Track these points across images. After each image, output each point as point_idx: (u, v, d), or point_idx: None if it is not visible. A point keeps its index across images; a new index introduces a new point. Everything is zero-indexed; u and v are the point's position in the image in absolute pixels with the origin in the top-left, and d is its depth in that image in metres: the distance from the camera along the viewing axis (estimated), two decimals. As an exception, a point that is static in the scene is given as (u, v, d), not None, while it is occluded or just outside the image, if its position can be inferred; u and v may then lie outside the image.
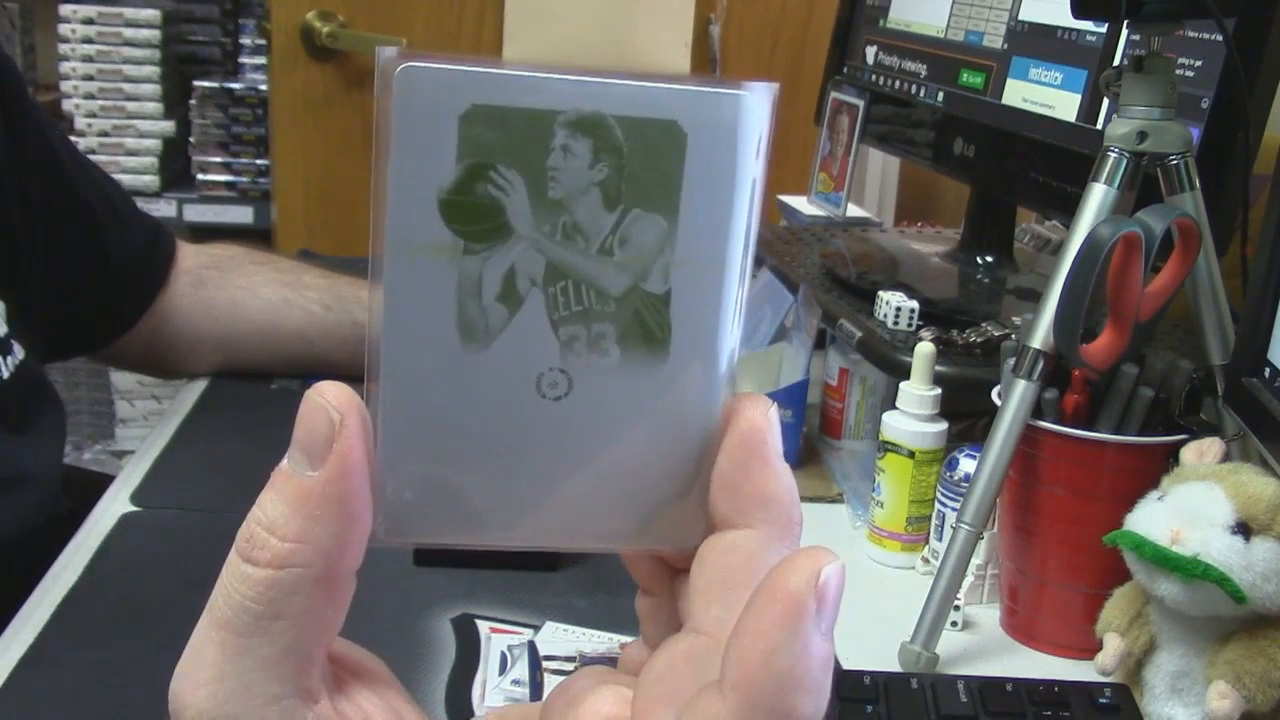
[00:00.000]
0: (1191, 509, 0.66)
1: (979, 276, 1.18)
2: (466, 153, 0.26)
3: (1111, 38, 0.95)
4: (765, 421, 0.29)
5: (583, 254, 0.28)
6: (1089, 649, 0.73)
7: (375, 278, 0.27)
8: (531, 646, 0.72)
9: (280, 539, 0.27)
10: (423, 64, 0.26)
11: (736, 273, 0.28)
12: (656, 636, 0.31)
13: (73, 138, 2.18)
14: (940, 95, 1.17)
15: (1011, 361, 0.76)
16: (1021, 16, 1.06)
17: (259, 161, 2.30)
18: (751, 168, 0.28)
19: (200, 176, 2.32)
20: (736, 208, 0.28)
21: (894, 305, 0.99)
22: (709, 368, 0.29)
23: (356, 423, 0.27)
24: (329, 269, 1.18)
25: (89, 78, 2.29)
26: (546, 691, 0.67)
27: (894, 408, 0.88)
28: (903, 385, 0.87)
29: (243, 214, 2.31)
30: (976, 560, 0.81)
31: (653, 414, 0.29)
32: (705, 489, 0.29)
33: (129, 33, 2.29)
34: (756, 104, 0.27)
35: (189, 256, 1.13)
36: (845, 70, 1.38)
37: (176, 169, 2.37)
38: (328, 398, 0.27)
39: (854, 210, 1.45)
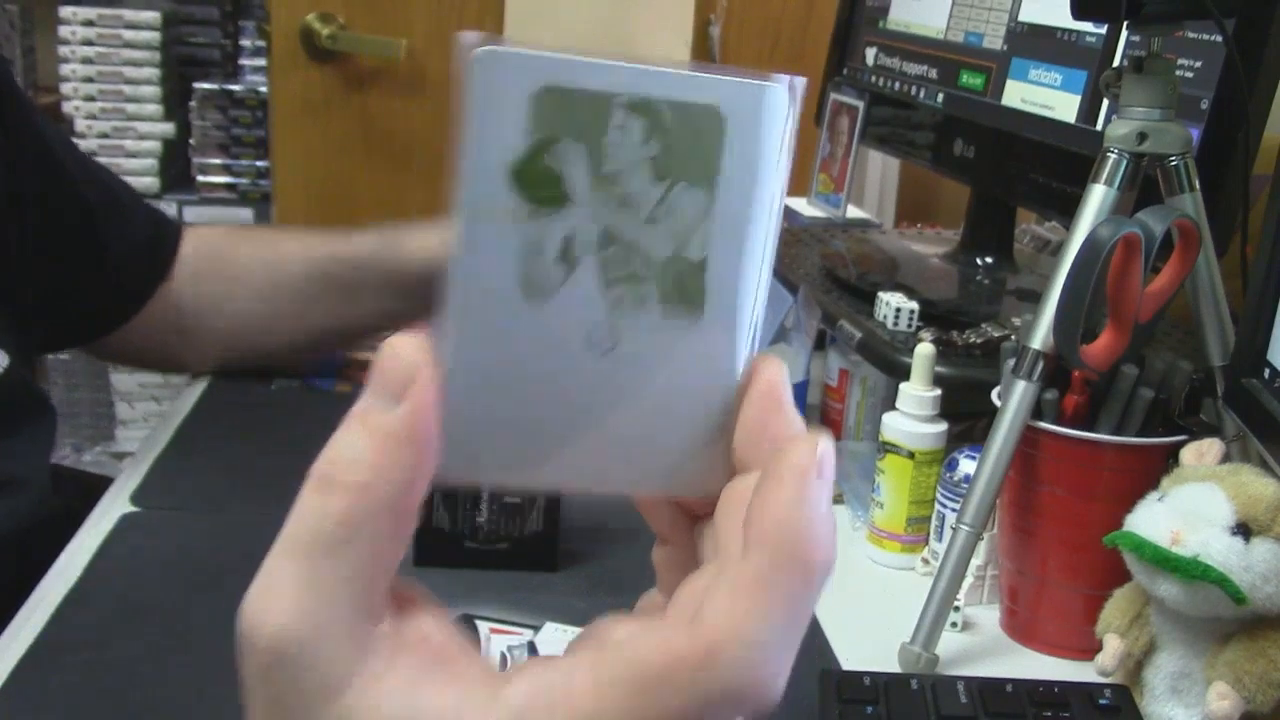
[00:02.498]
0: (1191, 510, 0.66)
1: (979, 277, 1.18)
2: (536, 128, 0.30)
3: (1111, 39, 0.95)
4: (781, 378, 0.32)
5: (632, 222, 0.31)
6: (1089, 650, 0.73)
7: (448, 238, 0.30)
8: (531, 647, 0.72)
9: (358, 472, 0.30)
10: (500, 48, 0.29)
11: (765, 244, 0.32)
12: (674, 585, 0.33)
13: (73, 139, 2.18)
14: (940, 96, 1.17)
15: (1011, 362, 0.76)
16: (1021, 17, 1.06)
17: (259, 163, 2.30)
18: (778, 151, 0.31)
19: (200, 178, 2.32)
20: (766, 186, 0.31)
21: (894, 306, 0.99)
22: (737, 329, 0.32)
23: (429, 369, 0.30)
24: (303, 233, 1.15)
25: (89, 79, 2.29)
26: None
27: (894, 409, 0.88)
28: (902, 386, 0.87)
29: (243, 215, 2.31)
30: (976, 561, 0.81)
31: (686, 369, 0.32)
32: (729, 438, 0.33)
33: (129, 34, 2.29)
34: (785, 95, 0.31)
35: (187, 243, 1.11)
36: (845, 71, 1.38)
37: (177, 171, 2.37)
38: (406, 346, 0.30)
39: (854, 211, 1.45)
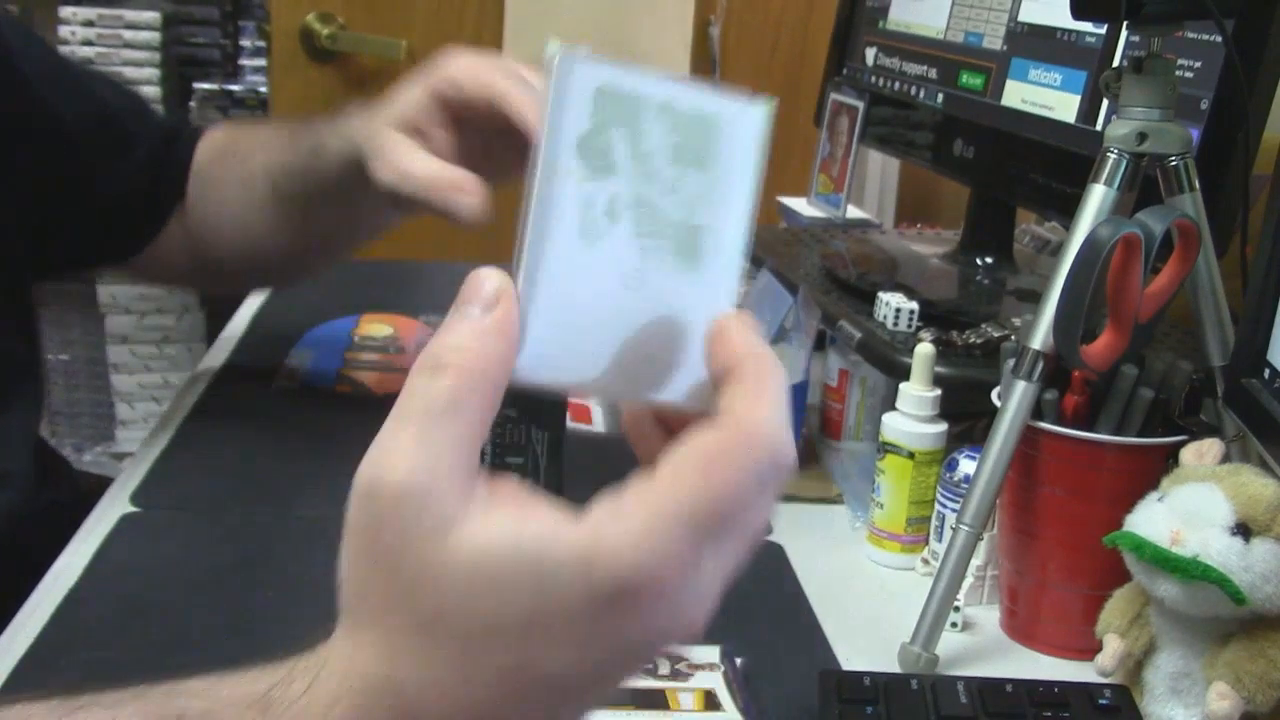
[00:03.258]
0: (1191, 510, 0.66)
1: (979, 278, 1.18)
2: (596, 114, 0.40)
3: (1111, 39, 0.95)
4: (749, 321, 0.42)
5: (657, 191, 0.41)
6: (1089, 650, 0.73)
7: (527, 199, 0.40)
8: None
9: (464, 357, 0.38)
10: (576, 55, 0.39)
11: (745, 218, 0.43)
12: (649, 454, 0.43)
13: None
14: (940, 96, 1.17)
15: (1011, 362, 0.76)
16: (1021, 18, 1.06)
17: (259, 163, 2.30)
18: (757, 151, 0.42)
19: (200, 178, 2.32)
20: (748, 175, 0.43)
21: (894, 306, 0.99)
22: (726, 276, 0.43)
23: (512, 293, 0.40)
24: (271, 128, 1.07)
25: (89, 79, 2.29)
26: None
27: (894, 409, 0.88)
28: (902, 386, 0.87)
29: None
30: (976, 561, 0.81)
31: (689, 305, 0.42)
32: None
33: (129, 35, 2.29)
34: (766, 112, 0.42)
35: (200, 153, 1.05)
36: (845, 71, 1.38)
37: (177, 170, 2.37)
38: (493, 274, 0.40)
39: (854, 211, 1.45)
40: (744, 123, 0.42)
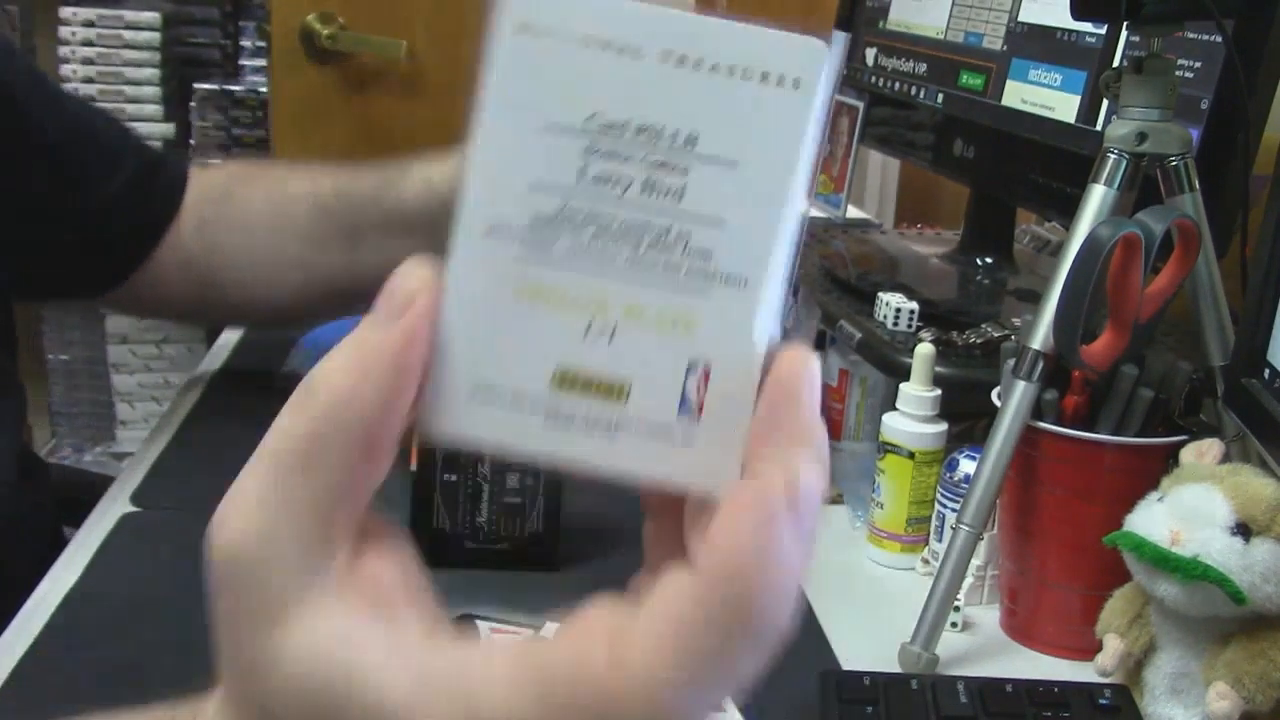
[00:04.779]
0: (1191, 510, 0.66)
1: (979, 278, 1.18)
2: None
3: (1111, 39, 0.95)
4: (804, 370, 0.29)
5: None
6: (1089, 650, 0.73)
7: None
8: (531, 647, 0.72)
9: (331, 389, 0.29)
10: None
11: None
12: (659, 562, 0.31)
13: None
14: (940, 97, 1.17)
15: (1011, 362, 0.76)
16: (1021, 18, 1.06)
17: (259, 163, 2.30)
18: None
19: (200, 178, 2.32)
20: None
21: (894, 306, 0.99)
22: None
23: (429, 299, 0.29)
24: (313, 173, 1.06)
25: (89, 80, 2.29)
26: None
27: (894, 409, 0.88)
28: (902, 386, 0.87)
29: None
30: (976, 561, 0.81)
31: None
32: (743, 431, 0.29)
33: (129, 35, 2.29)
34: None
35: (194, 189, 1.03)
36: (845, 71, 1.38)
37: (177, 170, 2.37)
38: (411, 271, 0.30)
39: (854, 212, 1.45)
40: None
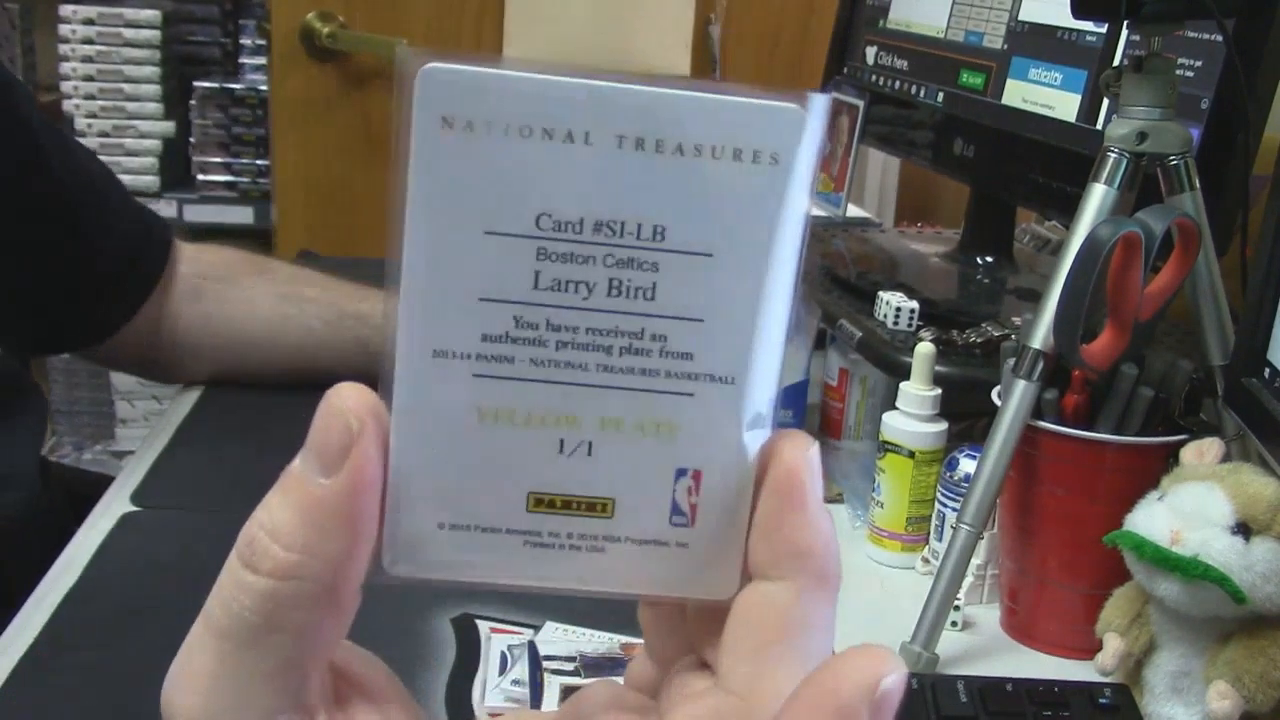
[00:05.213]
0: (1191, 509, 0.66)
1: (979, 277, 1.18)
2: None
3: (1111, 38, 0.95)
4: (804, 464, 0.27)
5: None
6: (1089, 649, 0.73)
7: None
8: (532, 647, 0.72)
9: (284, 548, 0.26)
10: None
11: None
12: (661, 649, 0.30)
13: (74, 136, 2.16)
14: (940, 96, 1.17)
15: (1011, 362, 0.76)
16: (1021, 17, 1.06)
17: (259, 162, 2.30)
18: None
19: (200, 177, 2.32)
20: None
21: (894, 305, 0.99)
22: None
23: (374, 432, 0.26)
24: (329, 274, 1.12)
25: (89, 78, 2.29)
26: (546, 691, 0.67)
27: (894, 408, 0.88)
28: (903, 385, 0.87)
29: (243, 214, 2.31)
30: (976, 560, 0.81)
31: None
32: (741, 534, 0.27)
33: (129, 33, 2.29)
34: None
35: (186, 262, 1.08)
36: (845, 70, 1.38)
37: (177, 169, 2.37)
38: (348, 402, 0.26)
39: (854, 211, 1.45)
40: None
